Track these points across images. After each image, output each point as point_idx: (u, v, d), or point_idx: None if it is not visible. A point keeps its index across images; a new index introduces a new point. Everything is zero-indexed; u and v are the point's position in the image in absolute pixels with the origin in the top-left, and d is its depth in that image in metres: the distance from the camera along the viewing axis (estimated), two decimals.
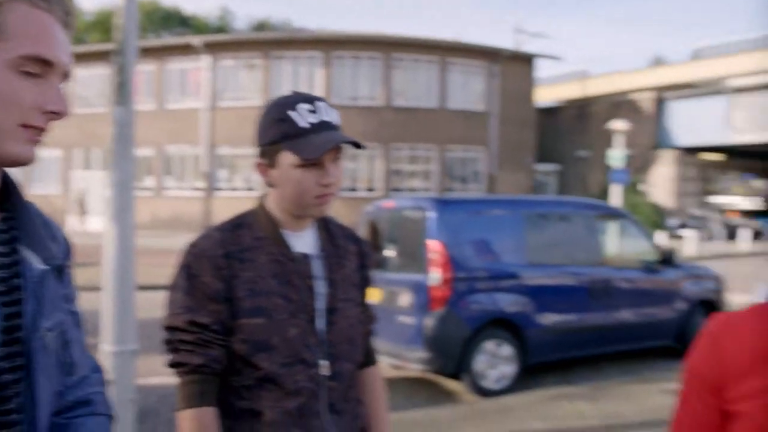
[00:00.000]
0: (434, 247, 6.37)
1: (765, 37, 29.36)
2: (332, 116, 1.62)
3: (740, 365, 1.26)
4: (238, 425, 1.58)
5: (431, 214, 6.53)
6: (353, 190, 26.32)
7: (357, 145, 1.61)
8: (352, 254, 1.75)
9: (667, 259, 7.99)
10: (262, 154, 1.65)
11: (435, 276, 6.30)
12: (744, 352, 1.26)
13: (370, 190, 26.75)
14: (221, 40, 28.02)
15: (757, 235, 28.44)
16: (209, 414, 1.55)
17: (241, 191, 26.66)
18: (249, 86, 27.02)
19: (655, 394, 6.15)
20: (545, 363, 7.21)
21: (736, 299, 11.67)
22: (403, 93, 27.64)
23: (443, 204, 6.76)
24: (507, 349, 6.57)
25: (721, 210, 30.44)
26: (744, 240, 24.14)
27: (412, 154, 27.88)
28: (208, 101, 26.97)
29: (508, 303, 6.64)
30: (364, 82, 27.17)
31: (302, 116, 1.57)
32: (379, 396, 1.83)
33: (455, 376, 6.48)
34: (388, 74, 27.16)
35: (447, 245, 6.38)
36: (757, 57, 29.13)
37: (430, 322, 6.27)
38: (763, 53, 27.24)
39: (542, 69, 49.96)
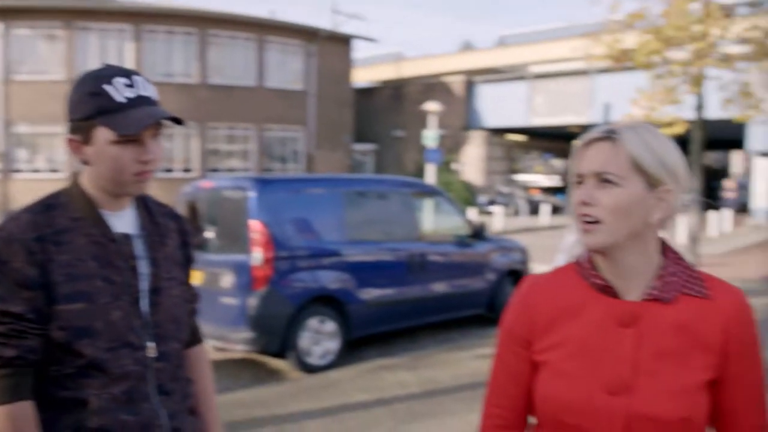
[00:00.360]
0: (255, 226, 6.31)
1: (564, 29, 31.84)
2: (150, 91, 1.56)
3: (545, 320, 1.40)
4: (61, 417, 1.48)
5: (251, 194, 6.45)
6: (169, 170, 25.28)
7: (177, 121, 1.56)
8: (173, 232, 1.70)
9: (478, 234, 8.49)
10: (75, 130, 1.53)
11: (257, 256, 6.26)
12: (548, 308, 1.41)
13: (187, 170, 25.86)
14: (14, 6, 25.59)
15: (557, 210, 30.99)
16: (25, 408, 1.44)
17: (43, 173, 24.64)
18: (49, 59, 24.92)
19: (470, 360, 6.56)
20: (367, 337, 7.43)
21: (540, 269, 12.66)
22: (219, 70, 26.88)
23: (263, 183, 6.70)
24: (330, 325, 6.68)
25: (525, 187, 32.79)
26: (545, 215, 26.18)
27: (229, 133, 27.28)
28: (0, 74, 24.61)
29: (330, 280, 6.75)
30: (178, 58, 26.08)
31: (119, 90, 1.49)
32: (206, 374, 1.82)
33: (280, 354, 6.49)
34: (203, 51, 26.27)
35: (268, 224, 6.35)
36: (556, 46, 31.55)
37: (253, 301, 6.22)
38: (562, 43, 29.51)
39: (359, 50, 50.78)
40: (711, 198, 26.18)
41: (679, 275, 1.36)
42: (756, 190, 24.98)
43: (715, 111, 12.60)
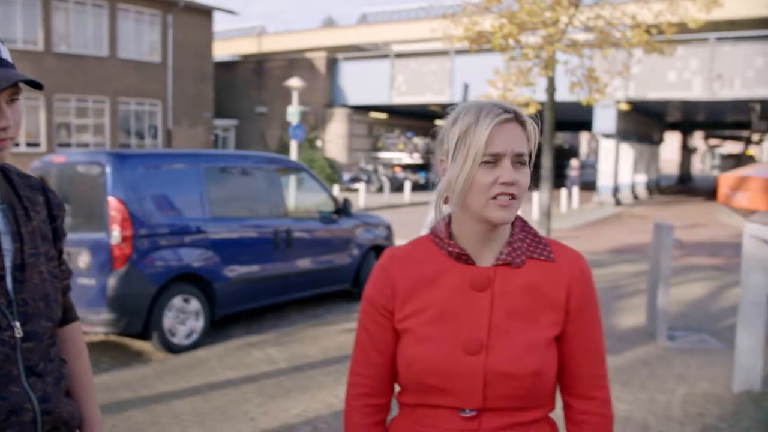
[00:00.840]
0: (113, 203, 6.04)
1: (425, 9, 32.39)
2: (4, 53, 1.45)
3: (405, 290, 1.49)
4: None
5: (108, 169, 6.16)
6: (14, 145, 23.53)
7: (35, 85, 1.47)
8: (40, 205, 1.59)
9: (342, 210, 8.57)
10: None
11: (115, 234, 6.00)
12: (408, 278, 1.49)
13: (33, 145, 24.18)
14: None
15: (418, 187, 31.73)
16: None
17: None
18: None
19: (337, 334, 6.65)
20: (234, 314, 7.34)
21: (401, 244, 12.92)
22: (66, 38, 25.20)
23: (121, 158, 6.40)
24: (195, 304, 6.54)
25: (388, 165, 33.31)
26: (407, 192, 26.76)
27: (80, 105, 25.71)
28: None
29: (194, 258, 6.59)
30: (20, 23, 24.19)
31: None
32: (82, 354, 1.72)
33: (144, 335, 6.29)
34: (48, 16, 24.50)
35: (126, 201, 6.09)
36: (417, 26, 32.09)
37: (112, 282, 5.97)
38: (422, 23, 30.03)
39: (220, 23, 49.25)
40: (560, 177, 27.73)
41: (526, 241, 1.49)
42: (601, 170, 26.76)
43: (564, 94, 13.35)
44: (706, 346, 6.44)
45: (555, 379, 1.47)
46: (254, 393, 4.99)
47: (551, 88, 12.10)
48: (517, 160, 1.40)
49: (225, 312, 6.94)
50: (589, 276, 1.50)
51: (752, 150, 44.29)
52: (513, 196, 1.40)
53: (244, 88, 33.94)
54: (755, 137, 40.92)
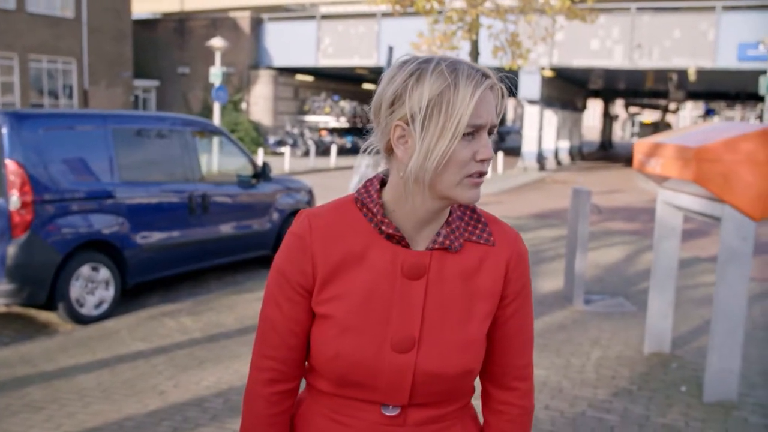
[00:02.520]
0: (11, 167, 5.66)
1: None
2: None
3: (327, 267, 1.28)
4: None
5: (5, 130, 5.75)
6: None
7: None
8: None
9: (262, 174, 8.34)
10: None
11: (14, 199, 5.63)
12: (330, 253, 1.28)
13: None
14: None
15: (344, 150, 31.52)
16: None
17: None
18: None
19: (255, 302, 6.48)
20: (151, 282, 7.07)
21: None
22: None
23: (19, 118, 5.98)
24: (104, 273, 6.25)
25: (314, 128, 32.91)
26: (333, 156, 26.53)
27: None
28: None
29: (103, 224, 6.28)
30: None
31: None
32: None
33: (48, 306, 5.97)
34: None
35: (26, 164, 5.71)
36: None
37: (12, 250, 5.62)
38: None
39: None
40: None
41: (465, 219, 1.33)
42: (526, 136, 27.14)
43: (488, 59, 13.34)
44: (620, 310, 6.59)
45: (477, 373, 1.35)
46: (165, 365, 4.80)
47: (475, 52, 12.08)
48: (489, 131, 1.23)
49: (138, 280, 6.67)
50: (527, 260, 1.37)
51: (669, 118, 45.82)
52: (483, 173, 1.23)
53: (166, 47, 32.76)
54: (672, 106, 42.31)
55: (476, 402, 1.51)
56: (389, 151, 1.26)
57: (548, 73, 15.02)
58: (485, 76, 1.20)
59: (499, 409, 1.40)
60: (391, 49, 12.51)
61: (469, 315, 1.28)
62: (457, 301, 1.28)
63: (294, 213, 8.76)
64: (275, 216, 8.45)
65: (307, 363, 1.38)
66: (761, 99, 32.28)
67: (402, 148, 1.22)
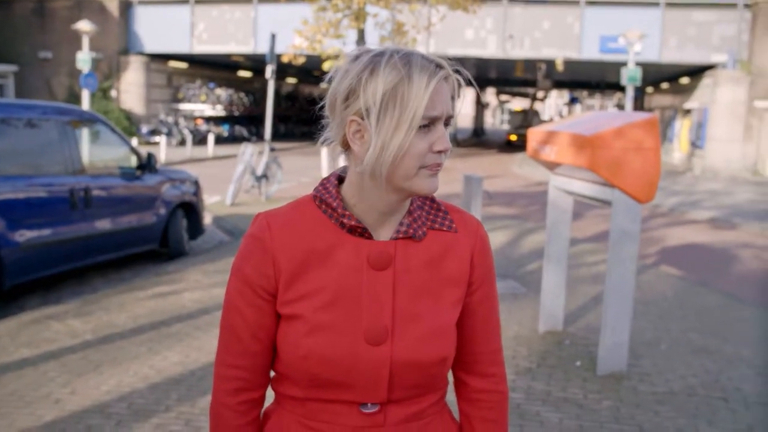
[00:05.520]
0: None
1: None
2: None
3: (290, 268, 1.25)
4: None
5: None
6: None
7: None
8: None
9: (146, 165, 7.99)
10: None
11: None
12: (293, 253, 1.26)
13: None
14: None
15: (222, 139, 30.78)
16: None
17: None
18: None
19: (147, 300, 6.23)
20: (27, 283, 6.62)
21: (209, 200, 12.49)
22: None
23: None
24: None
25: (190, 117, 31.90)
26: (211, 145, 25.83)
27: None
28: None
29: None
30: None
31: None
32: None
33: None
34: None
35: None
36: None
37: None
38: None
39: None
40: None
41: (425, 209, 1.33)
42: None
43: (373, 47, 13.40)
44: (513, 292, 6.84)
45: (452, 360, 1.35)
46: (57, 371, 4.51)
47: (361, 41, 12.10)
48: (446, 123, 1.22)
49: (16, 281, 6.22)
50: (489, 245, 1.38)
51: (537, 106, 47.90)
52: (440, 164, 1.22)
53: (24, 29, 30.60)
54: (540, 94, 44.25)
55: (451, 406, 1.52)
56: (346, 146, 1.24)
57: None
58: (439, 67, 1.19)
59: (477, 397, 1.40)
60: (273, 37, 12.32)
61: (439, 302, 1.28)
62: (426, 289, 1.28)
63: (181, 205, 8.47)
64: (162, 209, 8.13)
65: (274, 373, 1.34)
66: (620, 88, 34.37)
67: (358, 143, 1.20)
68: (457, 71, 1.23)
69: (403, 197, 1.25)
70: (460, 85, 1.23)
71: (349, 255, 1.26)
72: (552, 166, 5.16)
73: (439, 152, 1.20)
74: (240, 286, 1.28)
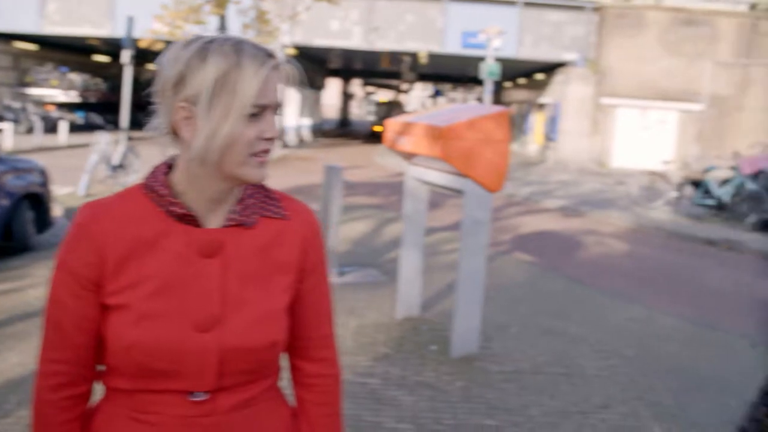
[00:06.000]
0: None
1: None
2: None
3: (116, 257, 1.23)
4: None
5: None
6: None
7: None
8: None
9: None
10: None
11: None
12: (119, 242, 1.24)
13: None
14: None
15: (76, 127, 29.12)
16: None
17: None
18: None
19: None
20: None
21: (60, 191, 11.82)
22: None
23: None
24: None
25: (39, 102, 29.93)
26: (63, 133, 24.37)
27: None
28: None
29: None
30: None
31: None
32: None
33: None
34: None
35: None
36: None
37: None
38: None
39: None
40: None
41: (256, 197, 1.33)
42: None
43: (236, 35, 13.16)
44: (372, 280, 6.97)
45: (284, 346, 1.36)
46: None
47: (222, 28, 11.84)
48: (275, 111, 1.24)
49: None
50: (320, 232, 1.40)
51: (402, 98, 48.81)
52: (268, 151, 1.24)
53: None
54: (404, 86, 45.08)
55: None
56: (175, 132, 1.24)
57: (291, 52, 15.24)
58: (269, 56, 1.22)
59: (311, 382, 1.43)
60: (131, 20, 11.82)
61: (269, 288, 1.30)
62: (257, 275, 1.29)
63: (27, 196, 7.96)
64: (4, 200, 7.60)
65: (102, 367, 1.31)
66: (481, 82, 35.67)
67: (187, 130, 1.20)
68: (287, 62, 1.25)
69: (232, 185, 1.26)
70: (290, 75, 1.26)
71: (178, 243, 1.25)
72: (408, 156, 5.30)
73: (268, 140, 1.22)
74: (63, 277, 1.25)
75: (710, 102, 26.11)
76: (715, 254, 10.72)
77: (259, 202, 1.33)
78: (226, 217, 1.28)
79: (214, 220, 1.27)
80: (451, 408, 4.17)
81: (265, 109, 1.20)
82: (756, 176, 13.26)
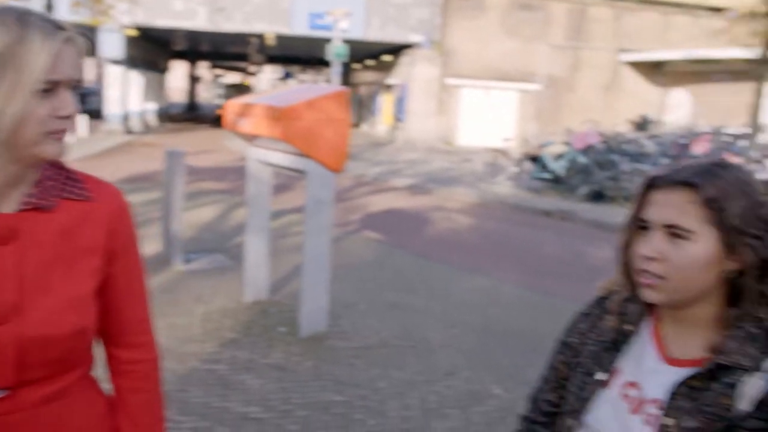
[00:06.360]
0: None
1: None
2: None
3: None
4: None
5: None
6: None
7: None
8: None
9: None
10: None
11: None
12: None
13: None
14: None
15: None
16: None
17: None
18: None
19: None
20: None
21: None
22: None
23: None
24: None
25: None
26: None
27: None
28: None
29: None
30: None
31: None
32: None
33: None
34: None
35: None
36: None
37: None
38: None
39: None
40: None
41: (56, 179, 1.25)
42: (109, 97, 25.79)
43: (65, 14, 12.34)
44: (220, 265, 6.83)
45: (95, 332, 1.29)
46: None
47: (49, 6, 11.07)
48: (75, 87, 1.16)
49: None
50: (129, 213, 1.34)
51: (251, 80, 47.99)
52: (65, 129, 1.16)
53: None
54: (252, 69, 44.29)
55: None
56: None
57: (132, 32, 14.49)
58: (60, 28, 1.15)
59: (128, 369, 1.38)
60: None
61: (74, 273, 1.23)
62: (60, 261, 1.22)
63: None
64: None
65: None
66: (329, 64, 35.75)
67: None
68: (80, 34, 1.18)
69: (26, 166, 1.17)
70: (83, 49, 1.18)
71: None
72: (250, 138, 5.22)
73: (63, 117, 1.15)
74: None
75: (546, 82, 27.67)
76: (551, 225, 11.42)
77: (59, 184, 1.25)
78: (20, 201, 1.19)
79: (7, 205, 1.18)
80: (300, 387, 4.19)
81: (58, 85, 1.13)
82: (586, 151, 14.22)
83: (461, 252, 8.65)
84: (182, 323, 5.11)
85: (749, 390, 1.08)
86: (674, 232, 1.13)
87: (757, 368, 1.10)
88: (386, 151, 23.43)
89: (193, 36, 28.86)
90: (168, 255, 6.80)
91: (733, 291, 1.16)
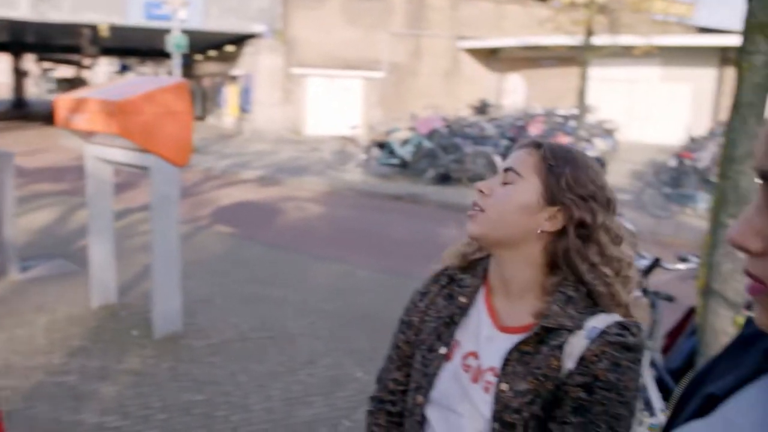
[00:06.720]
0: None
1: None
2: None
3: None
4: None
5: None
6: None
7: None
8: None
9: None
10: None
11: None
12: None
13: None
14: None
15: None
16: None
17: None
18: None
19: None
20: None
21: None
22: None
23: None
24: None
25: None
26: None
27: None
28: None
29: None
30: None
31: None
32: None
33: None
34: None
35: None
36: None
37: None
38: None
39: None
40: None
41: None
42: None
43: None
44: (62, 271, 6.45)
45: None
46: None
47: None
48: None
49: None
50: None
51: (85, 74, 45.33)
52: None
53: None
54: (87, 61, 41.87)
55: None
56: None
57: None
58: None
59: None
60: None
61: None
62: None
63: None
64: None
65: None
66: (169, 56, 34.48)
67: None
68: None
69: None
70: None
71: None
72: (86, 135, 4.96)
73: None
74: None
75: (389, 69, 28.20)
76: (401, 208, 11.72)
77: None
78: None
79: None
80: (159, 390, 4.07)
81: None
82: (431, 136, 14.68)
83: (315, 240, 8.70)
84: (23, 335, 4.80)
85: (572, 349, 1.20)
86: (508, 176, 1.28)
87: (579, 328, 1.22)
88: (234, 143, 22.99)
89: (16, 26, 26.78)
90: (1, 264, 6.33)
91: (553, 262, 1.29)
